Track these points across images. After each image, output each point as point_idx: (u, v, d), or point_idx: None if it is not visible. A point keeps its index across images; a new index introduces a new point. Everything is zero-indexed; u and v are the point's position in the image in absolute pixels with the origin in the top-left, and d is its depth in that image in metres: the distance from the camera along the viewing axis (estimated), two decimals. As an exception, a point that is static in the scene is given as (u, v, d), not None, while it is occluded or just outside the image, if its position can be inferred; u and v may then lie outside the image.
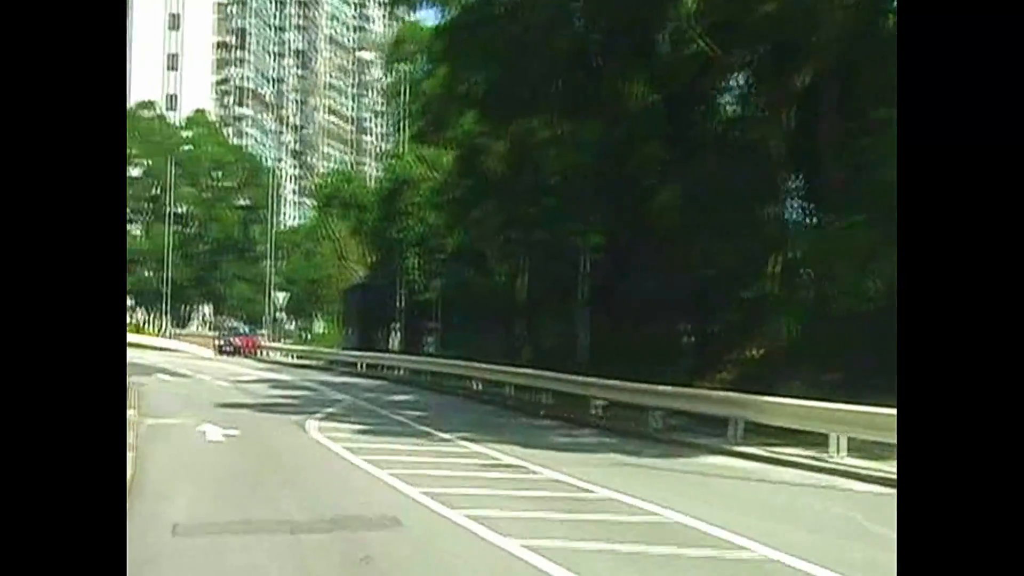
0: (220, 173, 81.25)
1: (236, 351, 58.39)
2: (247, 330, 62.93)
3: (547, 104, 26.01)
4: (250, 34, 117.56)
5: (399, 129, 45.30)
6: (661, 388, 18.92)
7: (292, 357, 51.11)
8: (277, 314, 62.13)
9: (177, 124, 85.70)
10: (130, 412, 17.77)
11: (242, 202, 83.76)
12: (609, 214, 25.29)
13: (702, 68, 21.70)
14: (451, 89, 29.18)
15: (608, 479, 11.84)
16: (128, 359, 26.91)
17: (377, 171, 58.56)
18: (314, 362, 46.28)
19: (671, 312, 23.25)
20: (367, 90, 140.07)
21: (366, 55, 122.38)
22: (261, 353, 56.82)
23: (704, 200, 21.19)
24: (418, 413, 21.49)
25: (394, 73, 44.72)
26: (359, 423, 18.57)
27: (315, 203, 64.52)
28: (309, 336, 69.96)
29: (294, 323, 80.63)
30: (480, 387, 27.77)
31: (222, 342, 59.90)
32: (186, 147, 78.93)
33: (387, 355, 40.20)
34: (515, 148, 27.50)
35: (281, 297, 60.16)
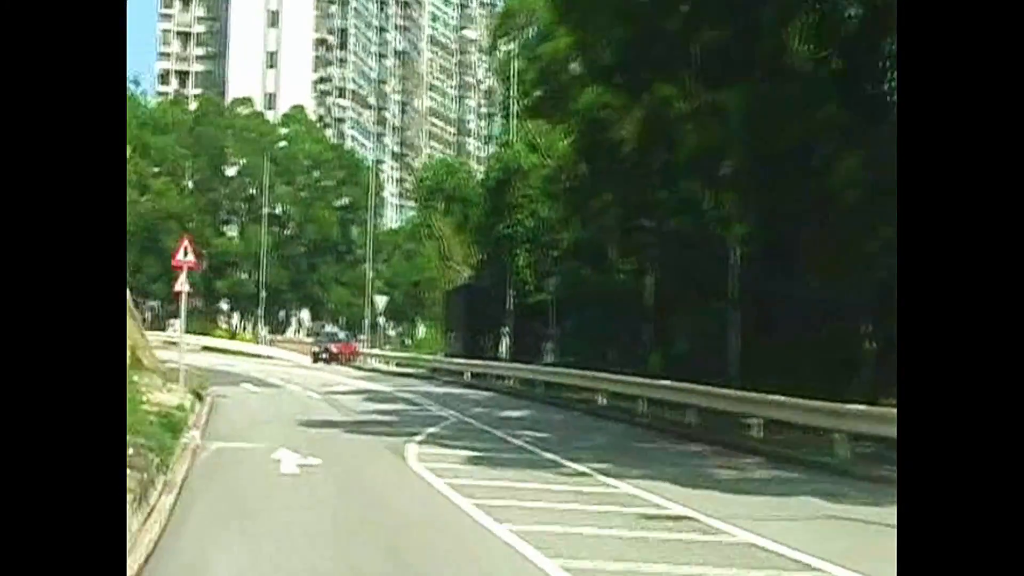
0: (318, 172, 79.49)
1: (333, 358, 56.07)
2: (345, 336, 60.60)
3: (686, 70, 22.42)
4: (350, 34, 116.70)
5: (507, 115, 41.85)
6: (846, 407, 15.20)
7: (391, 365, 48.48)
8: (377, 319, 59.60)
9: (275, 122, 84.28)
10: (193, 434, 14.86)
11: (341, 202, 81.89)
12: (762, 197, 21.51)
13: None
14: (570, 58, 25.84)
15: (839, 547, 8.21)
16: (217, 368, 28.00)
17: (480, 173, 55.20)
18: (415, 370, 43.47)
19: (847, 313, 19.44)
20: (470, 91, 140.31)
21: (470, 34, 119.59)
22: (359, 360, 54.32)
23: (891, 175, 17.18)
24: (538, 434, 18.14)
25: (501, 52, 41.53)
26: (468, 448, 15.32)
27: (416, 196, 61.79)
28: (410, 342, 67.41)
29: (394, 328, 78.48)
30: (604, 401, 24.27)
31: (318, 349, 57.77)
32: (283, 144, 77.29)
33: (496, 363, 36.96)
34: (646, 124, 23.91)
35: (381, 301, 57.64)
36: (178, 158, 75.27)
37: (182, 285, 23.93)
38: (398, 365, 47.62)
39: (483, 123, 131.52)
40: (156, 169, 75.53)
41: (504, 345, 39.97)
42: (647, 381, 22.30)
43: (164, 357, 27.84)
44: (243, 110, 79.81)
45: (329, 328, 69.60)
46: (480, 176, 51.98)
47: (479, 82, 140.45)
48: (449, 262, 54.40)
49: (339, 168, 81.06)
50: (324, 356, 56.79)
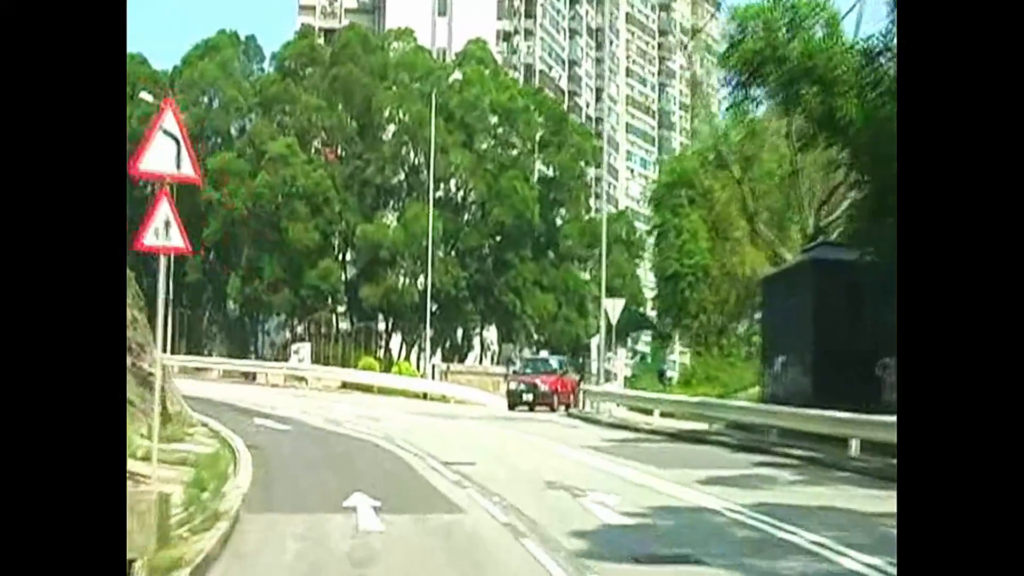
0: (509, 130, 60.45)
1: (541, 401, 38.18)
2: (558, 364, 41.46)
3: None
4: (537, 3, 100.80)
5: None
6: None
7: (655, 415, 28.93)
8: (604, 337, 40.11)
9: (447, 63, 65.92)
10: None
11: (542, 172, 62.79)
12: None
13: None
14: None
15: None
16: (350, 426, 22.87)
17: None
18: (712, 427, 23.89)
19: None
20: (671, 79, 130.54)
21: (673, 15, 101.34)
22: (585, 404, 36.58)
23: None
24: None
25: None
26: None
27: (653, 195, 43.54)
28: (670, 374, 47.32)
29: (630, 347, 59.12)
30: None
31: (516, 385, 38.78)
32: (457, 93, 58.61)
33: None
34: None
35: (614, 307, 38.14)
36: (308, 111, 57.82)
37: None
38: (667, 415, 28.05)
39: (686, 115, 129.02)
40: (274, 126, 58.35)
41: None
42: None
43: (268, 402, 24.86)
44: (402, 44, 61.61)
45: (529, 354, 50.40)
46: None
47: (683, 68, 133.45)
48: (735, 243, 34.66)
49: (539, 125, 61.86)
50: (526, 397, 38.33)
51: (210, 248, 59.37)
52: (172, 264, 60.33)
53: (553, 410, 37.99)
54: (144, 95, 58.11)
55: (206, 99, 63.10)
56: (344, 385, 49.48)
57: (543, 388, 38.94)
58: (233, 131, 63.14)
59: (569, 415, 34.99)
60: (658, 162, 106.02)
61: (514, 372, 42.83)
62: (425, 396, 47.47)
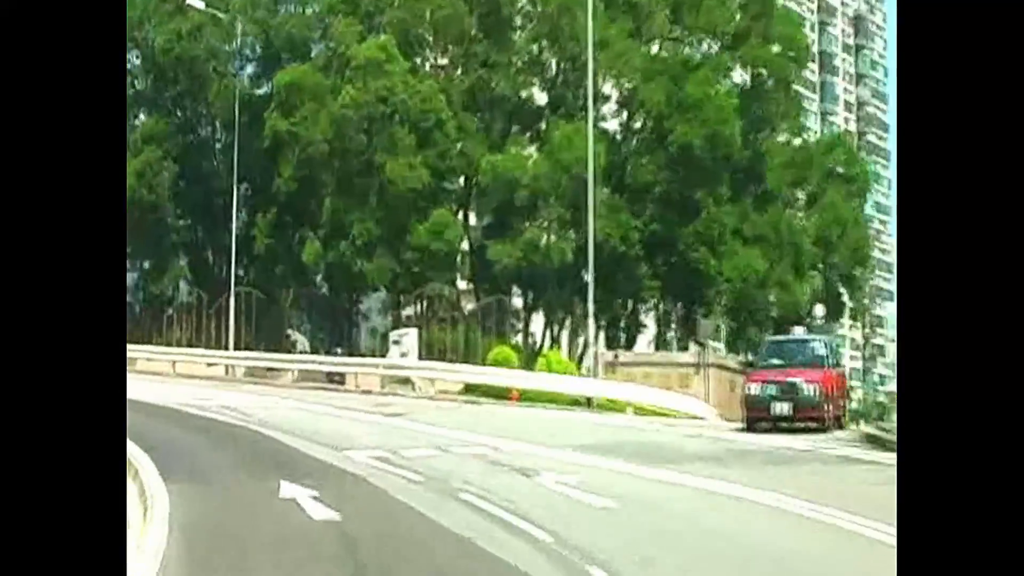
0: (693, 14, 44.81)
1: (802, 410, 23.88)
2: (823, 348, 26.04)
3: None
4: None
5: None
6: None
7: None
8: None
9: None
10: None
11: (739, 78, 47.16)
12: None
13: None
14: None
15: None
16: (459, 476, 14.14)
17: None
18: None
19: None
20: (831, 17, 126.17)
21: None
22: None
23: None
24: None
25: None
26: None
27: None
28: None
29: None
30: None
31: (757, 387, 23.04)
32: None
33: None
34: None
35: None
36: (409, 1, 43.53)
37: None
38: None
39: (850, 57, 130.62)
40: (363, 26, 44.22)
41: None
42: None
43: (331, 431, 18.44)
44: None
45: (773, 336, 34.87)
46: None
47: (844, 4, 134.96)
48: None
49: (735, 9, 45.97)
50: (779, 409, 23.91)
51: (283, 201, 45.48)
52: (235, 229, 47.90)
53: (823, 428, 22.96)
54: (193, 1, 45.16)
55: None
56: (467, 389, 34.78)
57: (807, 391, 23.65)
58: (311, 44, 49.16)
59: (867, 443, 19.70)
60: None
61: (751, 364, 27.33)
62: (589, 403, 32.61)
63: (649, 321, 50.40)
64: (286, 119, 42.72)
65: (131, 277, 52.26)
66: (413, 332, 38.89)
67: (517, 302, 46.28)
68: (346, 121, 42.03)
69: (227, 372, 42.36)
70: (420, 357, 38.09)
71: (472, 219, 47.43)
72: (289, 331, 48.28)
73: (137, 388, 21.96)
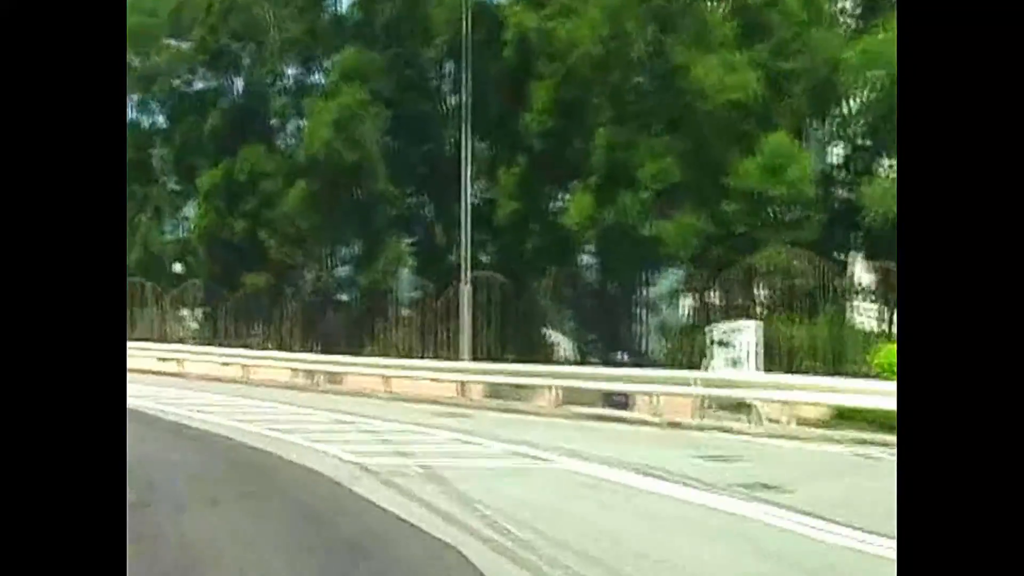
0: None
1: None
2: None
3: None
4: None
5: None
6: None
7: None
8: None
9: None
10: None
11: None
12: None
13: None
14: None
15: None
16: None
17: None
18: None
19: None
20: None
21: None
22: None
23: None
24: None
25: None
26: None
27: None
28: None
29: None
30: None
31: None
32: None
33: None
34: None
35: None
36: None
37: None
38: None
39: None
40: None
41: None
42: None
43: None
44: None
45: None
46: None
47: None
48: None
49: None
50: None
51: (535, 147, 32.14)
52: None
53: None
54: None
55: None
56: (839, 415, 20.37)
57: None
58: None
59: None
60: None
61: None
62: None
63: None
64: (536, 12, 29.36)
65: (342, 269, 40.71)
66: (751, 327, 24.55)
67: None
68: (628, 8, 28.34)
69: (461, 392, 29.38)
70: (760, 367, 23.90)
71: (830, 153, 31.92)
72: (546, 330, 34.95)
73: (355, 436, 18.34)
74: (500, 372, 28.44)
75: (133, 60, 43.59)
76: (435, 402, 27.78)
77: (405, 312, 37.51)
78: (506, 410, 26.16)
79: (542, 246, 34.50)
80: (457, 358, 31.89)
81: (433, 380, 29.85)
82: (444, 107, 37.45)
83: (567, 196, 31.96)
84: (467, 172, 32.46)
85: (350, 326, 38.20)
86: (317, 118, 36.34)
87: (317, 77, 40.59)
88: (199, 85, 43.50)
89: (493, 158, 35.70)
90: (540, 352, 33.59)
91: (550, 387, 26.89)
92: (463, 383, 29.66)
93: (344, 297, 40.72)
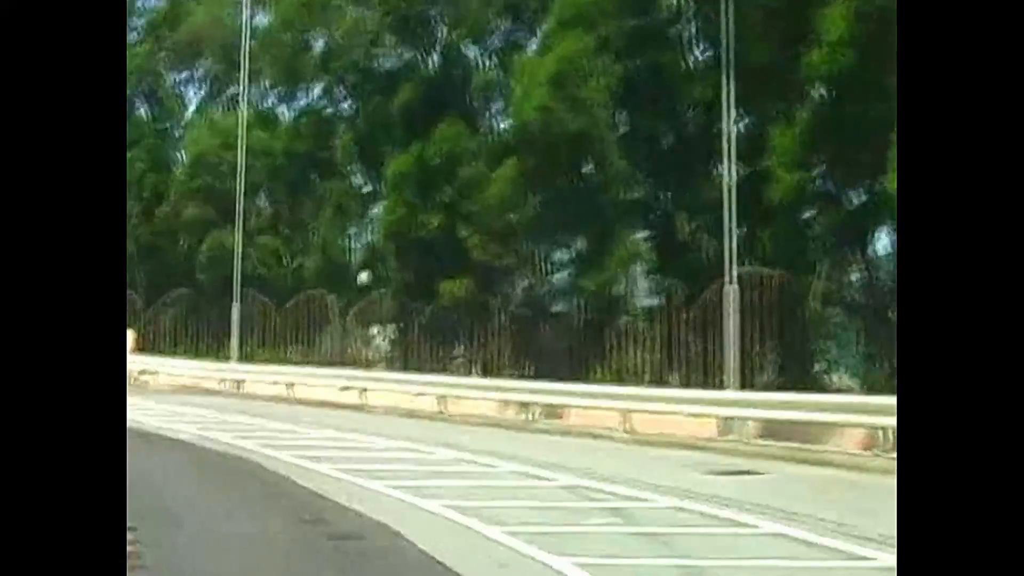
0: None
1: None
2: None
3: None
4: None
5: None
6: None
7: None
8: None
9: None
10: None
11: None
12: None
13: None
14: None
15: None
16: None
17: None
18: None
19: None
20: None
21: None
22: None
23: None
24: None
25: None
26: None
27: None
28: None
29: None
30: None
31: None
32: None
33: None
34: None
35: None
36: None
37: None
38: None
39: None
40: None
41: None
42: None
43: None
44: None
45: None
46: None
47: None
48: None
49: None
50: None
51: (815, 102, 23.90)
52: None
53: None
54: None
55: None
56: None
57: None
58: None
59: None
60: None
61: None
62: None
63: None
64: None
65: (561, 272, 33.61)
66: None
67: None
68: None
69: (722, 431, 21.26)
70: None
71: None
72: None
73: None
74: (801, 406, 20.01)
75: (312, 38, 38.93)
76: (693, 447, 19.77)
77: (643, 324, 29.73)
78: (804, 461, 18.01)
79: (825, 232, 26.20)
80: (720, 384, 23.97)
81: (696, 416, 21.82)
82: (690, 58, 29.62)
83: (882, 158, 23.49)
84: (731, 131, 24.45)
85: (571, 344, 30.87)
86: (530, 77, 29.39)
87: (528, 33, 33.78)
88: (385, 57, 37.40)
89: (760, 118, 27.50)
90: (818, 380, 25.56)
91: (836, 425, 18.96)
92: (725, 419, 21.60)
93: (563, 307, 33.86)
